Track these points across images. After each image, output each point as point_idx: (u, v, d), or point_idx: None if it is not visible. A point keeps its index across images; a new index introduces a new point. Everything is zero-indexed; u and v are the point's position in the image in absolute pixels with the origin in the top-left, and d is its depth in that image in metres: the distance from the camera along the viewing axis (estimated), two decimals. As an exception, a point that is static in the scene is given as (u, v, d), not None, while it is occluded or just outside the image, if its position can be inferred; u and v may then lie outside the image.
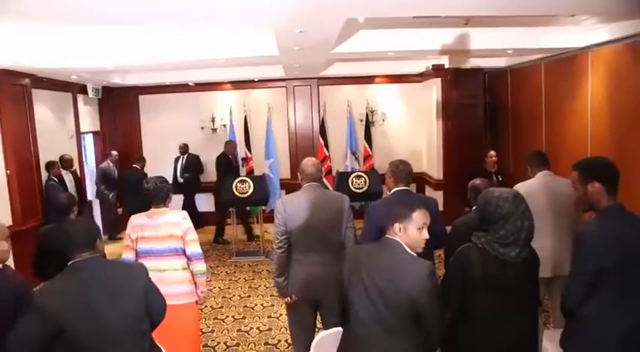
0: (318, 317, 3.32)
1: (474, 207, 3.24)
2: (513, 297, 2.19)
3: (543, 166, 3.71)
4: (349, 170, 7.94)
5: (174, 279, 3.35)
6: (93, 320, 2.02)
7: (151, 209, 3.42)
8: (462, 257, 2.26)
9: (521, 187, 3.58)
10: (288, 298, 3.23)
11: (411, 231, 2.18)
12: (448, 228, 3.29)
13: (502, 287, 2.18)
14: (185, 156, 8.34)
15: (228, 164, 7.63)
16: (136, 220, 3.41)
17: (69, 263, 2.13)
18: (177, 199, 7.50)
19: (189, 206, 8.03)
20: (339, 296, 2.28)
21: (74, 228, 2.19)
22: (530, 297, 2.27)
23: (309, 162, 3.28)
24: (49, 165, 6.45)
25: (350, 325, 2.21)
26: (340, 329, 2.37)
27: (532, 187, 3.57)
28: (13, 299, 2.21)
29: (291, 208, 3.14)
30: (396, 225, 2.18)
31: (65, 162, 6.83)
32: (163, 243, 3.32)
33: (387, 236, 2.22)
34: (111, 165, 7.86)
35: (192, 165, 8.32)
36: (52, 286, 2.10)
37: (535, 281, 2.30)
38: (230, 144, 7.80)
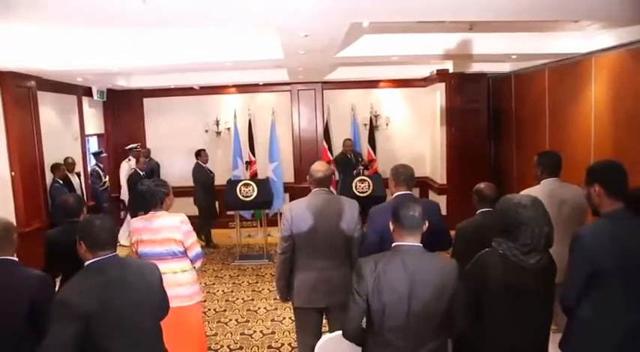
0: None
1: (479, 211, 3.25)
2: (530, 303, 2.19)
3: (554, 173, 3.54)
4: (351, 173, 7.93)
5: (175, 282, 3.35)
6: (117, 317, 2.09)
7: (150, 212, 3.43)
8: (481, 262, 2.26)
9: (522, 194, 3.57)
10: (286, 303, 3.24)
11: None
12: (452, 232, 3.29)
13: (520, 294, 2.17)
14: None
15: (346, 162, 7.68)
16: (135, 224, 3.42)
17: (87, 262, 2.16)
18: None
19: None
20: (355, 309, 2.18)
21: (95, 226, 2.20)
22: (546, 304, 2.26)
23: (318, 167, 3.24)
24: (55, 167, 6.48)
25: (382, 335, 2.14)
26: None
27: (533, 194, 3.53)
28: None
29: (298, 213, 3.13)
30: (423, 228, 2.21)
31: (69, 166, 6.85)
32: (161, 247, 3.33)
33: (408, 243, 2.18)
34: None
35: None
36: (74, 286, 2.11)
37: (552, 288, 2.29)
38: (346, 143, 7.84)
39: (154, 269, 2.37)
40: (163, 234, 3.33)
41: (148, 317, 2.27)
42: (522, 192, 3.53)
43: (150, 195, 3.39)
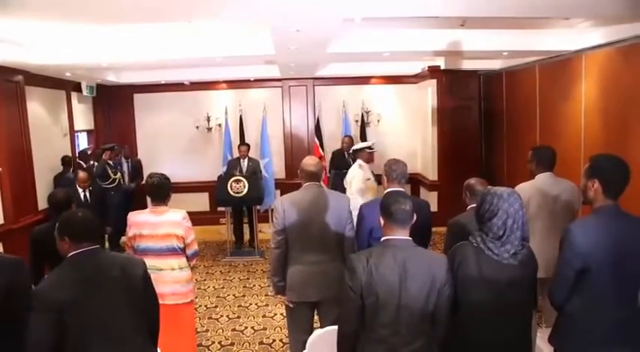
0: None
1: (470, 206, 3.26)
2: (506, 297, 2.19)
3: (548, 168, 3.59)
4: (344, 170, 7.93)
5: (172, 279, 3.35)
6: (93, 312, 2.05)
7: (150, 207, 3.40)
8: (455, 254, 2.27)
9: (517, 189, 3.58)
10: (282, 297, 3.24)
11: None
12: (442, 229, 3.29)
13: (494, 287, 2.18)
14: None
15: (341, 159, 7.51)
16: (135, 217, 3.39)
17: (68, 255, 2.13)
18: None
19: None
20: (351, 306, 2.18)
21: (74, 219, 2.17)
22: (524, 298, 2.26)
23: (309, 161, 3.24)
24: (66, 162, 6.73)
25: (374, 331, 2.15)
26: (336, 327, 2.36)
27: (528, 189, 3.54)
28: None
29: (290, 207, 3.12)
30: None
31: (84, 156, 7.16)
32: (162, 242, 3.31)
33: (398, 237, 2.19)
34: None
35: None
36: (50, 278, 2.10)
37: (531, 283, 2.29)
38: (344, 140, 7.66)
39: (138, 266, 2.28)
40: (166, 229, 3.32)
41: (130, 316, 2.17)
42: (517, 187, 3.55)
43: (158, 188, 3.37)
